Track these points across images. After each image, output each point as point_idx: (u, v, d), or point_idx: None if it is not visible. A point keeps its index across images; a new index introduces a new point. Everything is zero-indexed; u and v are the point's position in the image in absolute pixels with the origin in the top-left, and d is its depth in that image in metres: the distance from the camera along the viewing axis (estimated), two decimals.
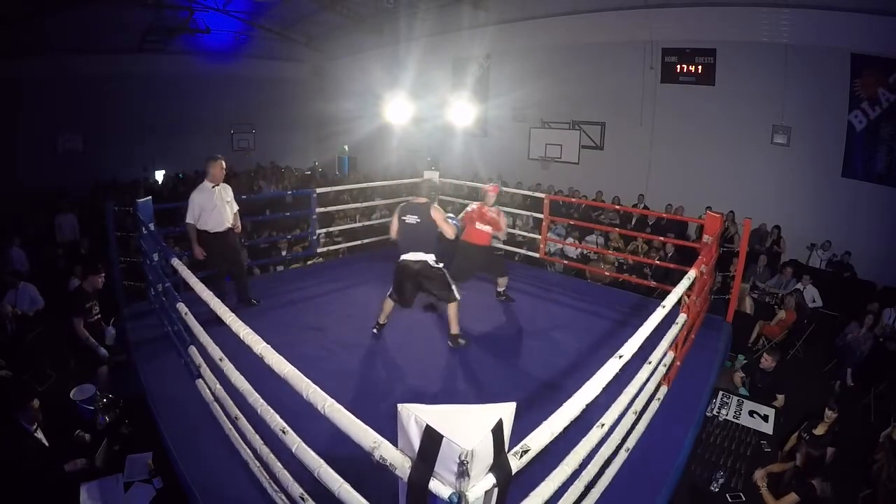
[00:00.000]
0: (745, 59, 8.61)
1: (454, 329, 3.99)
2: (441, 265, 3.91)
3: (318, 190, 6.15)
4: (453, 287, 3.91)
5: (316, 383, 1.66)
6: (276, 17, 12.98)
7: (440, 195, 4.40)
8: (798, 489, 3.18)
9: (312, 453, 1.76)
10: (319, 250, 6.12)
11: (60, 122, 11.98)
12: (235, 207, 4.52)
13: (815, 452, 3.40)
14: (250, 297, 4.70)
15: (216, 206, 4.25)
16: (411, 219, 3.80)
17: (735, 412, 3.95)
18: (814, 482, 3.17)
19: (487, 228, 4.83)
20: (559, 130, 11.23)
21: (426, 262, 3.82)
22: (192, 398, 3.07)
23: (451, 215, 4.12)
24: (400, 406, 1.29)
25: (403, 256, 3.86)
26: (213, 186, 4.25)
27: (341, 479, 1.62)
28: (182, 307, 2.91)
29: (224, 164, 4.39)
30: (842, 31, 7.56)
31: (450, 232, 3.89)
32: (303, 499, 1.96)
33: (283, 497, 2.13)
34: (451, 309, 3.95)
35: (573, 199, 9.56)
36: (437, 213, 3.82)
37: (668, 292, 2.73)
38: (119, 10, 10.81)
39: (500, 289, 5.06)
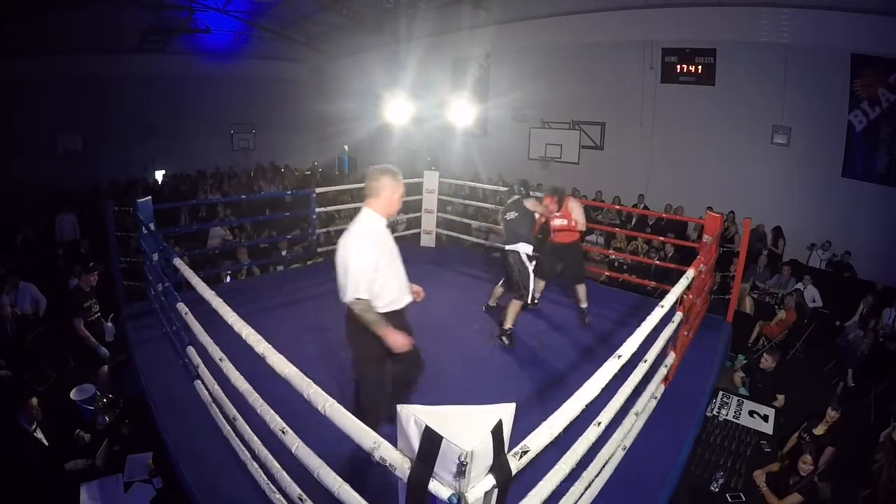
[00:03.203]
0: (745, 59, 8.60)
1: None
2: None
3: (318, 190, 6.15)
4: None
5: (316, 383, 1.66)
6: (276, 17, 12.99)
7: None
8: (803, 490, 3.18)
9: (312, 454, 1.77)
10: (319, 250, 6.12)
11: (60, 122, 11.99)
12: None
13: (818, 454, 3.41)
14: None
15: (395, 262, 2.52)
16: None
17: (735, 412, 3.95)
18: (820, 484, 3.18)
19: (562, 222, 4.55)
20: (559, 130, 11.23)
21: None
22: (191, 398, 3.07)
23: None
24: (399, 407, 1.29)
25: None
26: (388, 223, 2.54)
27: (341, 480, 1.62)
28: (182, 307, 2.91)
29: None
30: (842, 31, 7.55)
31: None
32: (301, 499, 1.96)
33: (282, 497, 2.13)
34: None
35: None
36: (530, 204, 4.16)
37: (668, 292, 2.73)
38: (119, 10, 10.82)
39: (583, 305, 4.62)
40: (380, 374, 2.51)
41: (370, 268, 2.33)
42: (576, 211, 4.54)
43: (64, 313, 4.77)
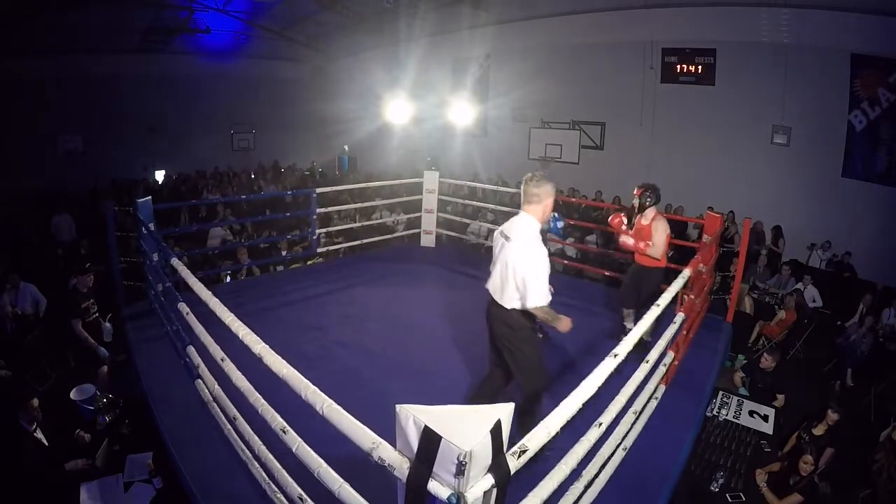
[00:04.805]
0: (745, 59, 8.61)
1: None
2: None
3: (318, 190, 6.14)
4: None
5: (315, 383, 1.66)
6: (276, 17, 12.98)
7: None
8: (803, 490, 3.18)
9: (312, 453, 1.77)
10: (319, 250, 6.12)
11: (60, 122, 11.98)
12: None
13: (818, 454, 3.41)
14: None
15: None
16: None
17: (735, 412, 3.95)
18: (820, 484, 3.19)
19: (630, 241, 3.87)
20: (559, 130, 11.23)
21: None
22: (191, 398, 3.07)
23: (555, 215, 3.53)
24: (398, 407, 1.28)
25: None
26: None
27: (341, 480, 1.63)
28: (183, 307, 2.91)
29: None
30: (842, 31, 7.55)
31: None
32: (301, 499, 1.96)
33: (283, 497, 2.14)
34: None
35: (573, 200, 9.56)
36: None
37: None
38: (119, 10, 10.81)
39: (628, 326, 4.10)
40: (538, 361, 2.69)
41: (546, 272, 2.47)
42: (658, 233, 3.75)
43: (63, 314, 4.77)
